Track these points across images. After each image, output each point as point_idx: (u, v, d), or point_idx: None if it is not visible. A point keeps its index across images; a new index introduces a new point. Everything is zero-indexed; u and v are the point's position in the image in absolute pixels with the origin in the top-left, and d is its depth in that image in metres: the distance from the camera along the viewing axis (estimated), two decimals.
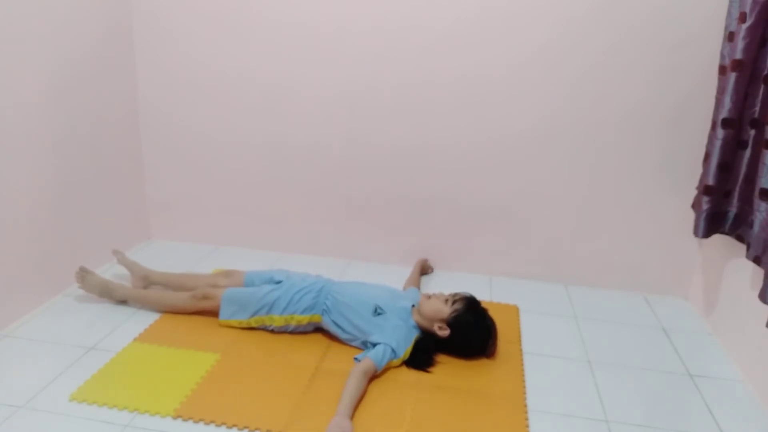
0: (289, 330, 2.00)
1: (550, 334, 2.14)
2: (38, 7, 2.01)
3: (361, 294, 2.01)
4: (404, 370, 1.86)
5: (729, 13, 2.01)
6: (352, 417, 1.61)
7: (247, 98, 2.55)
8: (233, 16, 2.45)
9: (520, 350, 2.01)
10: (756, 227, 1.80)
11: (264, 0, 2.41)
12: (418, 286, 2.37)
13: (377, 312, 1.93)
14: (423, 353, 1.90)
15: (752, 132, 1.94)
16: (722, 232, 2.10)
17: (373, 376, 1.79)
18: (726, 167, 2.02)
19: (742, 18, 1.86)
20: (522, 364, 1.92)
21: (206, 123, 2.62)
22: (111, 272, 2.45)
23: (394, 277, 2.42)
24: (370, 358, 1.78)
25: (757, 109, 1.91)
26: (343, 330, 1.96)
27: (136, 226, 2.75)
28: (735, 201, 2.03)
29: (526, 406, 1.72)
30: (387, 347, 1.82)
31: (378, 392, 1.74)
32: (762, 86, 1.88)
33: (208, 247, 2.78)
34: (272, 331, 2.01)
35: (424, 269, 2.56)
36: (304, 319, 1.96)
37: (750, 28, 1.84)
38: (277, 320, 1.98)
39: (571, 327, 2.20)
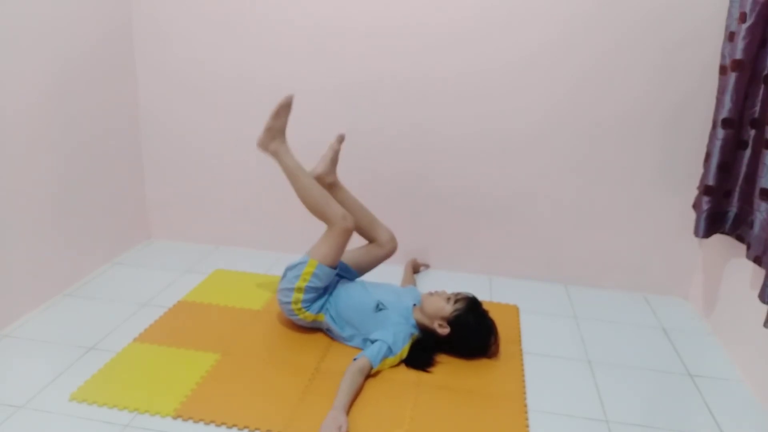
0: (292, 316, 1.99)
1: (550, 334, 2.14)
2: (38, 8, 2.01)
3: (364, 291, 2.02)
4: (404, 369, 1.86)
5: (729, 13, 2.01)
6: (348, 412, 1.61)
7: (247, 98, 2.55)
8: (233, 18, 2.45)
9: (520, 350, 2.01)
10: (756, 227, 1.80)
11: (263, 1, 2.41)
12: (415, 285, 2.38)
13: (379, 308, 1.94)
14: (423, 353, 1.90)
15: (752, 132, 1.94)
16: (722, 232, 2.10)
17: (370, 374, 1.79)
18: (726, 167, 2.02)
19: (742, 18, 1.86)
20: (522, 364, 1.92)
21: (206, 123, 2.62)
22: (111, 272, 2.45)
23: (394, 277, 2.43)
24: (366, 356, 1.78)
25: (758, 109, 1.91)
26: (342, 327, 1.96)
27: (136, 226, 2.75)
28: (735, 201, 2.03)
29: (526, 406, 1.72)
30: (384, 344, 1.82)
31: (378, 392, 1.74)
32: (762, 86, 1.88)
33: (208, 247, 2.78)
34: (282, 305, 1.98)
35: (416, 268, 2.57)
36: (310, 316, 1.96)
37: (750, 28, 1.84)
38: (295, 302, 1.94)
39: (571, 327, 2.20)
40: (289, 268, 1.96)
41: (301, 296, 1.92)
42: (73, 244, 2.30)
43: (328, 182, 2.13)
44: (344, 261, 2.13)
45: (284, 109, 2.00)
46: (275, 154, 2.03)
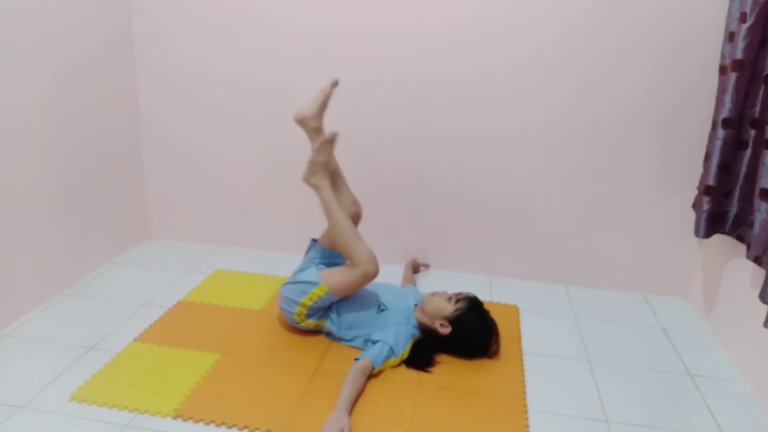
0: (294, 324, 1.98)
1: (550, 334, 2.14)
2: (38, 8, 2.01)
3: (364, 292, 2.01)
4: (404, 369, 1.86)
5: (729, 13, 2.01)
6: (350, 413, 1.61)
7: (247, 98, 2.55)
8: (233, 18, 2.45)
9: (520, 350, 2.01)
10: (756, 227, 1.80)
11: (263, 1, 2.41)
12: (415, 285, 2.38)
13: (380, 309, 1.94)
14: (423, 353, 1.90)
15: (752, 132, 1.94)
16: (722, 232, 2.10)
17: (371, 374, 1.79)
18: (726, 167, 2.02)
19: (743, 18, 1.86)
20: (522, 364, 1.92)
21: (206, 123, 2.62)
22: (111, 272, 2.45)
23: (394, 277, 2.43)
24: (368, 357, 1.78)
25: (758, 109, 1.91)
26: (343, 329, 1.96)
27: (136, 226, 2.75)
28: (735, 201, 2.03)
29: (526, 406, 1.72)
30: (385, 345, 1.83)
31: (378, 392, 1.74)
32: (762, 86, 1.88)
33: (208, 247, 2.78)
34: (284, 312, 1.98)
35: (415, 267, 2.57)
36: (311, 323, 1.97)
37: (750, 28, 1.84)
38: (298, 314, 1.94)
39: (571, 327, 2.20)
40: (297, 281, 1.95)
41: (305, 311, 1.93)
42: (73, 244, 2.30)
43: (313, 126, 2.05)
44: (322, 244, 2.10)
45: (326, 145, 1.97)
46: (315, 188, 2.00)
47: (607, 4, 2.19)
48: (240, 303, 2.24)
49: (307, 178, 2.01)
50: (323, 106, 2.06)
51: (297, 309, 1.92)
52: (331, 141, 1.98)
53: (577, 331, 2.18)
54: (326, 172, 2.00)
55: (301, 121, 2.05)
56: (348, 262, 1.95)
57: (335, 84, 2.06)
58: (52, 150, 2.14)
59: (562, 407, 1.73)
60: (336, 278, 1.92)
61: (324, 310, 1.97)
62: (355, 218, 2.14)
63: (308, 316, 1.94)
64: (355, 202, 2.14)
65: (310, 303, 1.91)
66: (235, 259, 2.64)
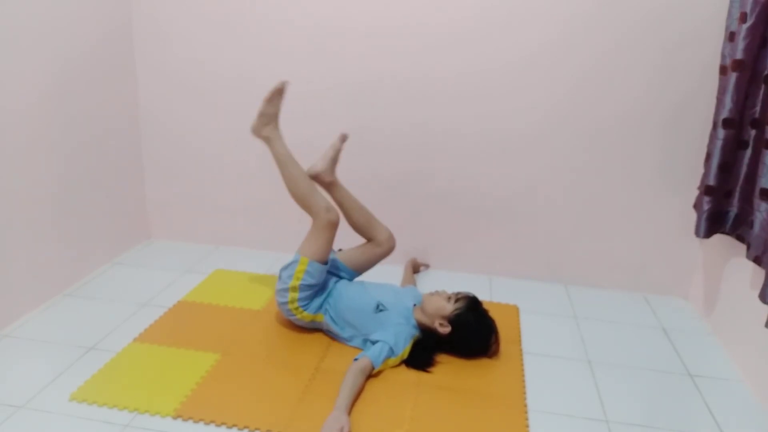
0: (290, 317, 1.99)
1: (550, 334, 2.14)
2: (38, 8, 2.01)
3: (364, 292, 2.02)
4: (404, 369, 1.86)
5: (729, 13, 2.01)
6: (349, 413, 1.61)
7: (247, 98, 2.54)
8: (233, 18, 2.45)
9: (520, 350, 2.01)
10: (756, 227, 1.80)
11: (263, 1, 2.41)
12: (415, 285, 2.38)
13: (379, 309, 1.94)
14: (423, 353, 1.90)
15: (753, 132, 1.94)
16: (723, 232, 2.10)
17: (371, 374, 1.79)
18: (727, 167, 2.01)
19: (743, 18, 1.86)
20: (522, 364, 1.92)
21: (206, 123, 2.62)
22: (111, 272, 2.45)
23: (394, 277, 2.43)
24: (368, 357, 1.78)
25: (758, 109, 1.91)
26: (342, 327, 1.96)
27: (136, 226, 2.75)
28: (735, 201, 2.03)
29: (526, 406, 1.72)
30: (385, 345, 1.83)
31: (378, 392, 1.74)
32: (763, 86, 1.88)
33: (208, 247, 2.78)
34: (280, 306, 1.98)
35: (416, 267, 2.57)
36: (308, 316, 1.96)
37: (751, 28, 1.84)
38: (292, 301, 1.94)
39: (571, 327, 2.20)
40: (283, 269, 1.96)
41: (297, 295, 1.92)
42: (73, 244, 2.30)
43: (327, 181, 2.13)
44: (342, 260, 2.13)
45: (277, 94, 2.00)
46: (267, 140, 2.03)
47: (607, 4, 2.19)
48: (240, 303, 2.24)
49: (257, 130, 2.03)
50: (334, 160, 2.13)
51: (289, 296, 1.92)
52: (282, 91, 2.00)
53: (577, 331, 2.18)
54: (276, 124, 2.02)
55: (315, 177, 2.10)
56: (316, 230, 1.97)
57: (344, 139, 2.12)
58: (52, 150, 2.14)
59: (562, 407, 1.73)
60: (309, 245, 1.95)
61: (319, 298, 1.97)
62: (388, 252, 2.18)
63: (302, 302, 1.93)
64: (390, 237, 2.18)
65: (298, 283, 1.91)
66: (235, 259, 2.64)
